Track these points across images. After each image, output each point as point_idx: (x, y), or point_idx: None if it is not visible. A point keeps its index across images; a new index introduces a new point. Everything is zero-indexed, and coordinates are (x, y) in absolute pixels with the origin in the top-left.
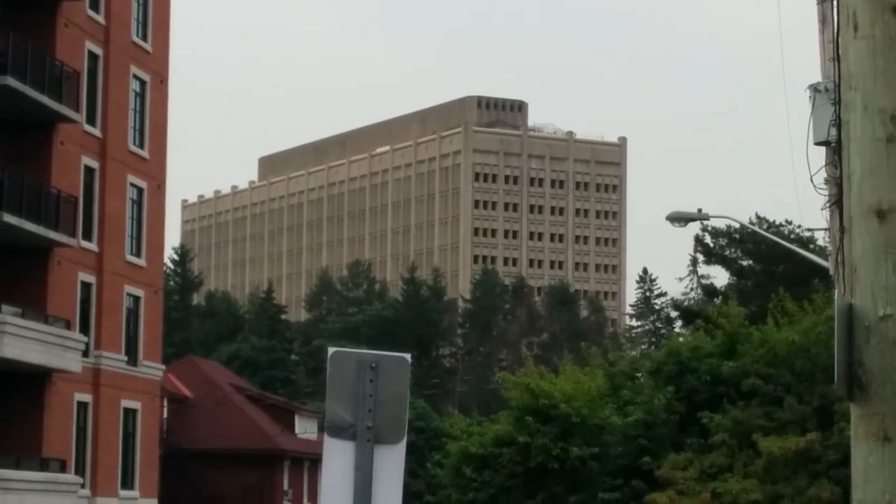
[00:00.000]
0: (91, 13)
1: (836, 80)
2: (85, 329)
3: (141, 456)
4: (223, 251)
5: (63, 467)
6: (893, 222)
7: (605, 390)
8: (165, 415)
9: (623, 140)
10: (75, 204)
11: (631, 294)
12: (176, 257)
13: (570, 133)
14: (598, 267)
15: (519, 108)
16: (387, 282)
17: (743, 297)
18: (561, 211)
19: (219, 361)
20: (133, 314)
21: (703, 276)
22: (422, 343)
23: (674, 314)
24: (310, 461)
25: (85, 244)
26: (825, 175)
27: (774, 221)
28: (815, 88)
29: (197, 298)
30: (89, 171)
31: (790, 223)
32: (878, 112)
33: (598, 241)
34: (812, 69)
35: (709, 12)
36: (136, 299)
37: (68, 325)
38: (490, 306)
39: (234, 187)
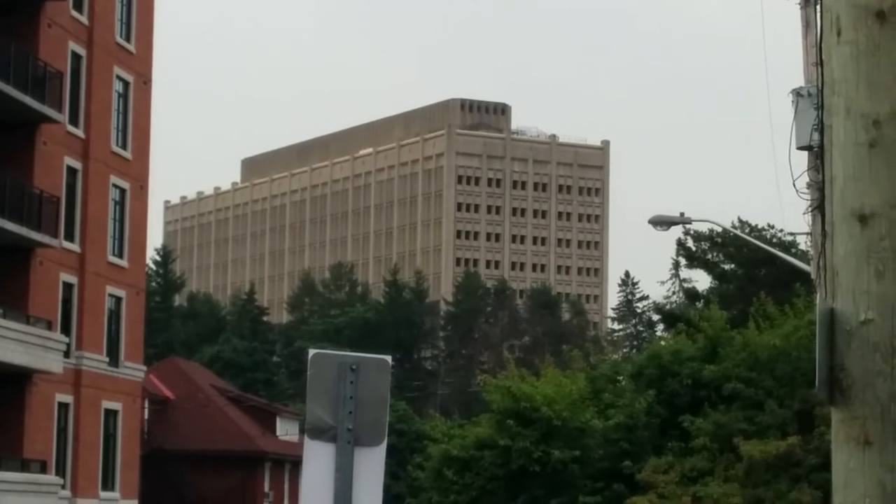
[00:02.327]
0: (75, 14)
1: (819, 84)
2: (66, 330)
3: (122, 457)
4: (205, 252)
5: (44, 468)
6: (875, 227)
7: (587, 393)
8: (146, 416)
9: (606, 143)
10: (57, 204)
11: (613, 297)
12: (158, 258)
13: (553, 136)
14: (580, 270)
15: (502, 110)
16: (369, 284)
17: (725, 301)
18: (543, 214)
19: (200, 363)
20: (115, 315)
21: (684, 280)
22: (404, 345)
23: (655, 318)
24: (291, 463)
25: (67, 245)
26: (807, 179)
27: (756, 225)
28: (797, 93)
29: (179, 300)
30: (72, 171)
31: (772, 227)
32: (860, 117)
33: (580, 244)
34: (795, 73)
35: (693, 16)
36: (118, 300)
37: (50, 326)
38: (472, 309)
39: (216, 188)
